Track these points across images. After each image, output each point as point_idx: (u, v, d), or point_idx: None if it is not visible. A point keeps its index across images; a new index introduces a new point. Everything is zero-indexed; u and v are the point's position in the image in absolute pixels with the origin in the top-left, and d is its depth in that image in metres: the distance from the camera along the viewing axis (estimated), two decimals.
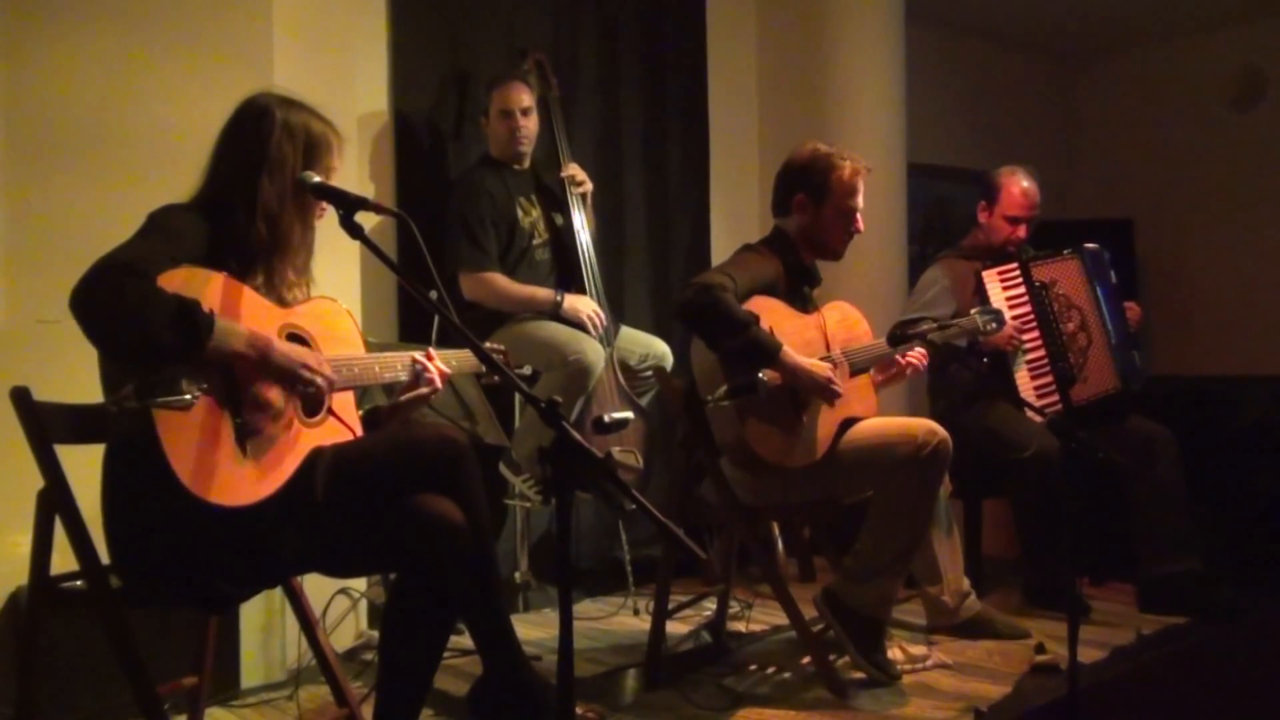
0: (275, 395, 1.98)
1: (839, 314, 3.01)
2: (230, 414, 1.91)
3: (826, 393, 2.74)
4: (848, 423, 2.86)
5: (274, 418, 1.98)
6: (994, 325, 3.23)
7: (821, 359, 2.81)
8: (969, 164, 5.80)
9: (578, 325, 3.51)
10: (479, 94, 3.79)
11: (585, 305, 3.56)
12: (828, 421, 2.82)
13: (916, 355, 2.96)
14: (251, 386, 1.94)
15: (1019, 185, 3.61)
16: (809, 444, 2.78)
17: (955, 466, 2.84)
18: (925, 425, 2.78)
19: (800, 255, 2.98)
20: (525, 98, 3.58)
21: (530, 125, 3.61)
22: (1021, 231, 3.63)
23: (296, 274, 2.13)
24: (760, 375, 2.65)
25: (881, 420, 2.90)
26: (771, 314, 2.77)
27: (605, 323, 3.58)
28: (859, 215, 2.98)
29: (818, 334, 2.91)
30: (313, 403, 2.07)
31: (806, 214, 2.95)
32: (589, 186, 3.77)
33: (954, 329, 3.15)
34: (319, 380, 1.99)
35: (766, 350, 2.67)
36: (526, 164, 3.68)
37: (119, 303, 1.76)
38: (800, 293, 3.00)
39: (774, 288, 2.87)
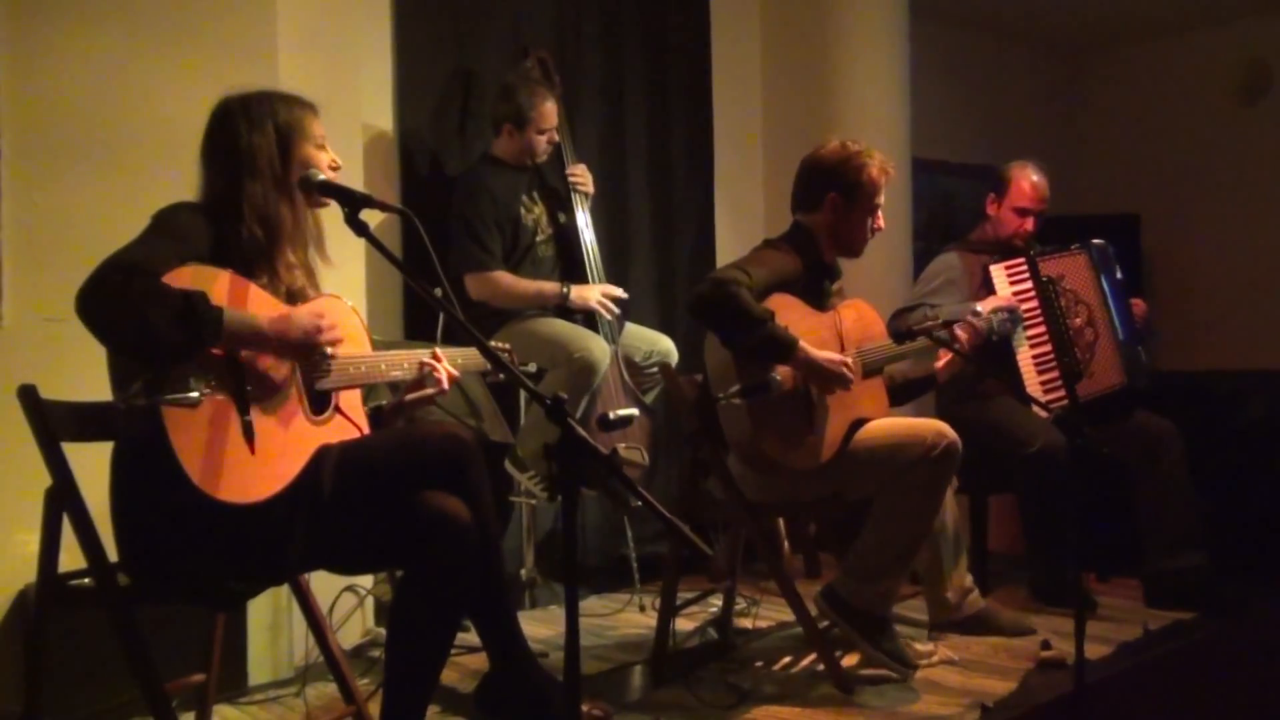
0: (281, 372, 2.01)
1: (855, 313, 2.99)
2: (238, 411, 1.92)
3: (843, 380, 2.73)
4: (858, 424, 2.84)
5: (279, 400, 1.99)
6: (1009, 326, 3.23)
7: None
8: (974, 159, 5.80)
9: (587, 315, 3.52)
10: (485, 92, 3.78)
11: (593, 293, 3.58)
12: (838, 423, 2.81)
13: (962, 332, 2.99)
14: (257, 372, 1.96)
15: (1029, 178, 3.62)
16: (819, 445, 2.77)
17: (960, 462, 2.83)
18: (934, 427, 2.76)
19: (822, 252, 2.96)
20: (557, 113, 3.60)
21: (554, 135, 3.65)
22: (1029, 224, 3.63)
23: (297, 256, 2.12)
24: (773, 375, 2.64)
25: (891, 420, 2.88)
26: (787, 312, 2.75)
27: (617, 306, 3.58)
28: (880, 213, 2.96)
29: (832, 333, 2.89)
30: (319, 369, 2.08)
31: (837, 213, 2.92)
32: (590, 189, 3.77)
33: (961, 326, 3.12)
34: (338, 333, 2.04)
35: (783, 345, 2.65)
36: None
37: (124, 301, 1.77)
38: (820, 288, 2.97)
39: (793, 284, 2.84)
